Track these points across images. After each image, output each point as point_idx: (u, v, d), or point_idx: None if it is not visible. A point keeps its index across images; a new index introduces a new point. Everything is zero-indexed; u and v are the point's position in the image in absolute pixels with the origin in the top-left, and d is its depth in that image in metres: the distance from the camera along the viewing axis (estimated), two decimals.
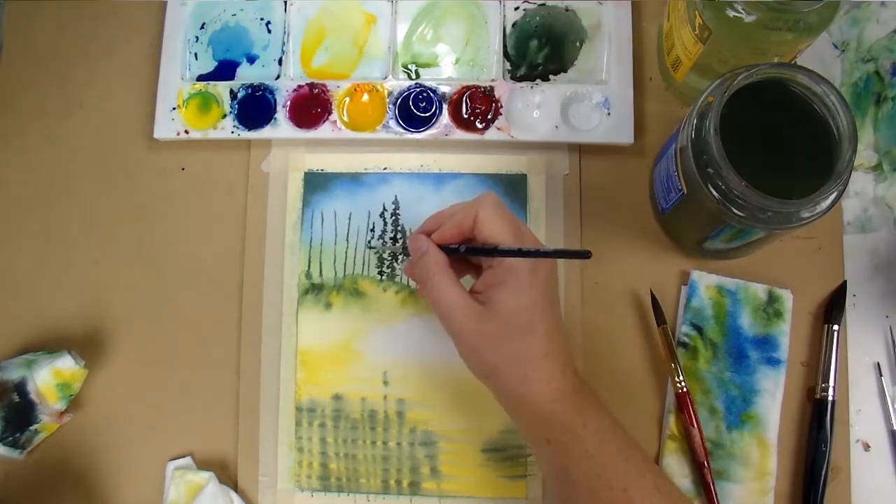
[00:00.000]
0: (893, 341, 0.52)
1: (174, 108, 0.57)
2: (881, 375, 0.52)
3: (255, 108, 0.56)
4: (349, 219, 0.56)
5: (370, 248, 0.55)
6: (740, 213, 0.42)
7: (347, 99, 0.56)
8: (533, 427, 0.42)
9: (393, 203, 0.56)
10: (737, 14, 0.44)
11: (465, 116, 0.55)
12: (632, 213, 0.55)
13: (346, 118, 0.56)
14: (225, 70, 0.58)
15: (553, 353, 0.42)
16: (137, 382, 0.55)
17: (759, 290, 0.52)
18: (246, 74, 0.58)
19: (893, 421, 0.51)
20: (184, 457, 0.53)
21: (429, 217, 0.46)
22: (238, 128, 0.56)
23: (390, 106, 0.56)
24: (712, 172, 0.42)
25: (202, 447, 0.54)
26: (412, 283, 0.55)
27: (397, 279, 0.55)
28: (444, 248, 0.44)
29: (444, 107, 0.56)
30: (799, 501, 0.50)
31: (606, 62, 0.56)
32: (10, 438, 0.51)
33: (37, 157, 0.59)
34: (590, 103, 0.55)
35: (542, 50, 0.57)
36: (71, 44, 0.60)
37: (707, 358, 0.52)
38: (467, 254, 0.44)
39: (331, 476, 0.53)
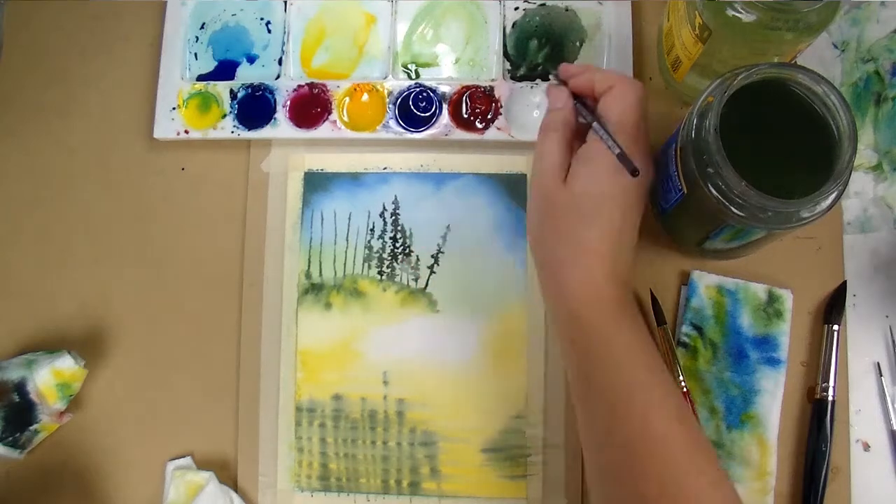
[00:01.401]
0: (893, 341, 0.52)
1: (174, 108, 0.57)
2: (881, 375, 0.52)
3: (255, 108, 0.56)
4: (349, 219, 0.56)
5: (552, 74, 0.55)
6: (740, 213, 0.42)
7: (347, 99, 0.56)
8: (560, 321, 0.42)
9: (393, 203, 0.56)
10: (736, 14, 0.44)
11: (465, 116, 0.55)
12: None
13: (346, 118, 0.56)
14: (225, 70, 0.58)
15: (603, 256, 0.41)
16: (137, 382, 0.55)
17: (759, 290, 0.52)
18: (246, 74, 0.58)
19: (893, 421, 0.51)
20: (184, 457, 0.53)
21: (580, 64, 0.47)
22: (238, 128, 0.56)
23: (390, 106, 0.56)
24: (712, 172, 0.42)
25: (202, 447, 0.54)
26: (412, 283, 0.55)
27: (397, 279, 0.55)
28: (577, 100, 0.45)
29: (444, 107, 0.56)
30: (799, 501, 0.50)
31: (606, 62, 0.56)
32: (10, 438, 0.51)
33: (37, 156, 0.59)
34: None
35: (542, 50, 0.57)
36: (71, 44, 0.60)
37: (707, 358, 0.52)
38: (590, 119, 0.45)
39: (331, 476, 0.53)
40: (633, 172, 0.40)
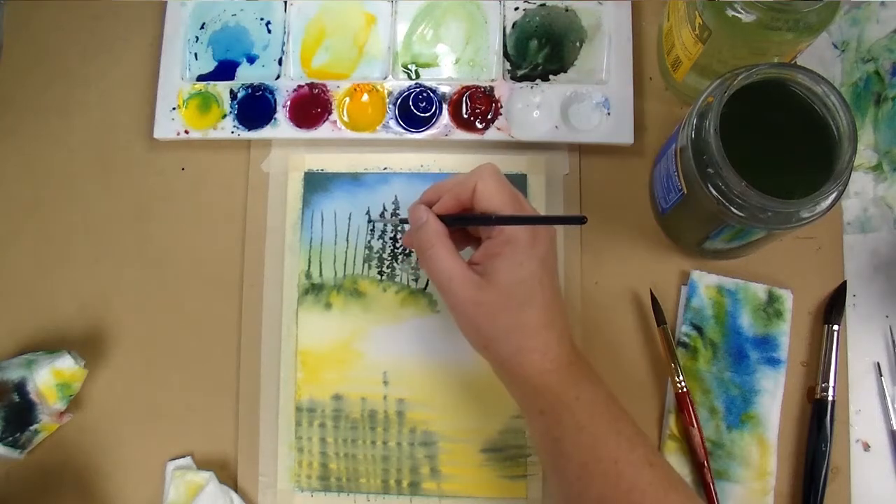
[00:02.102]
0: (893, 341, 0.52)
1: (174, 108, 0.57)
2: (881, 375, 0.52)
3: (255, 108, 0.56)
4: (349, 219, 0.56)
5: (371, 221, 0.55)
6: (740, 213, 0.42)
7: (347, 99, 0.56)
8: (527, 398, 0.42)
9: (393, 203, 0.56)
10: (736, 14, 0.44)
11: (465, 116, 0.55)
12: (632, 213, 0.55)
13: (346, 118, 0.56)
14: (225, 70, 0.58)
15: (550, 325, 0.42)
16: (137, 382, 0.55)
17: (759, 290, 0.52)
18: (246, 74, 0.58)
19: (893, 421, 0.51)
20: (184, 457, 0.53)
21: (428, 188, 0.46)
22: (238, 128, 0.56)
23: (390, 106, 0.56)
24: (712, 172, 0.42)
25: (202, 447, 0.54)
26: (412, 283, 0.55)
27: (397, 279, 0.55)
28: (443, 218, 0.44)
29: (444, 107, 0.56)
30: (799, 501, 0.50)
31: (606, 62, 0.56)
32: (10, 438, 0.51)
33: (37, 156, 0.59)
34: (590, 103, 0.55)
35: (542, 50, 0.57)
36: (71, 44, 0.60)
37: (707, 358, 0.52)
38: (464, 223, 0.44)
39: (331, 476, 0.53)
40: (582, 219, 0.40)
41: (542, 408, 0.42)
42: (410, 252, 0.55)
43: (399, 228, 0.55)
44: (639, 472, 0.40)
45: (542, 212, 0.54)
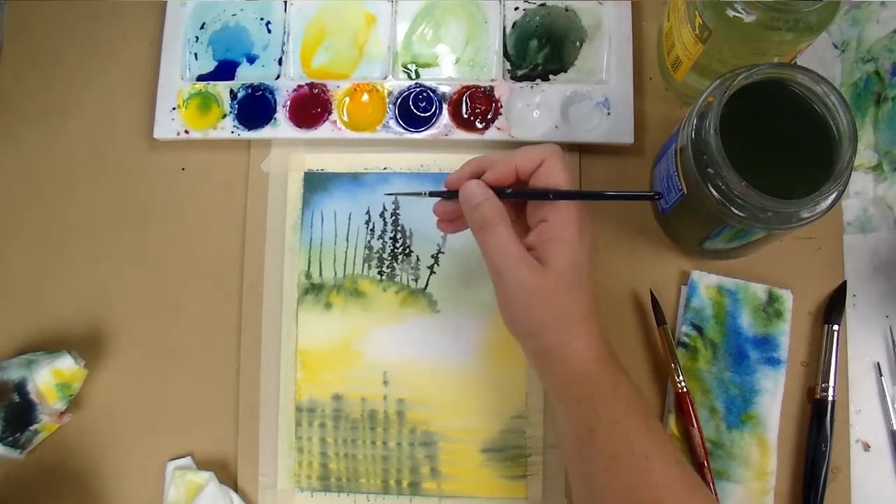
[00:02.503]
0: (893, 341, 0.52)
1: (174, 108, 0.57)
2: (881, 375, 0.52)
3: (255, 108, 0.56)
4: (349, 219, 0.56)
5: (390, 193, 0.55)
6: (740, 213, 0.42)
7: (347, 99, 0.56)
8: (565, 386, 0.42)
9: (393, 203, 0.56)
10: (737, 14, 0.44)
11: (465, 116, 0.55)
12: (632, 213, 0.55)
13: (346, 118, 0.56)
14: (225, 70, 0.58)
15: (594, 314, 0.42)
16: (137, 382, 0.55)
17: (759, 290, 0.52)
18: (246, 74, 0.58)
19: (893, 421, 0.51)
20: (184, 457, 0.53)
21: (473, 160, 0.44)
22: (238, 128, 0.56)
23: (390, 106, 0.56)
24: (712, 172, 0.42)
25: (202, 447, 0.54)
26: (412, 283, 0.55)
27: (397, 279, 0.55)
28: (496, 192, 0.43)
29: (444, 107, 0.56)
30: (799, 501, 0.50)
31: (606, 62, 0.56)
32: (10, 438, 0.51)
33: (37, 156, 0.59)
34: (590, 103, 0.55)
35: (542, 50, 0.57)
36: (71, 44, 0.60)
37: (707, 358, 0.52)
38: (523, 197, 0.44)
39: (331, 476, 0.53)
40: (656, 195, 0.41)
41: (579, 396, 0.41)
42: (410, 252, 0.55)
43: (397, 238, 0.54)
44: (668, 468, 0.40)
45: None
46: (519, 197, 0.44)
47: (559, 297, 0.41)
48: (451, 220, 0.46)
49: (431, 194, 0.46)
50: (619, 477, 0.40)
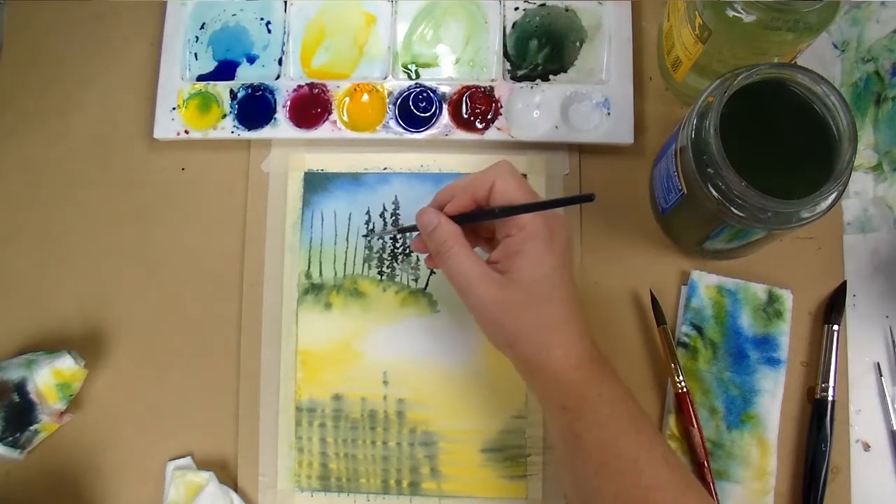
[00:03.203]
0: (893, 341, 0.52)
1: (174, 108, 0.57)
2: (881, 375, 0.52)
3: (255, 108, 0.56)
4: (349, 219, 0.56)
5: (366, 236, 0.55)
6: (740, 213, 0.42)
7: (347, 99, 0.56)
8: (550, 394, 0.42)
9: (393, 203, 0.56)
10: (737, 14, 0.44)
11: (465, 116, 0.55)
12: (632, 213, 0.55)
13: (346, 118, 0.56)
14: (225, 70, 0.58)
15: (572, 321, 0.42)
16: (137, 382, 0.55)
17: (759, 290, 0.52)
18: (246, 74, 0.58)
19: (893, 421, 0.51)
20: (184, 457, 0.53)
21: (440, 191, 0.45)
22: (238, 128, 0.56)
23: (390, 106, 0.56)
24: (712, 172, 0.42)
25: (202, 447, 0.54)
26: (412, 283, 0.55)
27: (397, 279, 0.55)
28: (453, 218, 0.44)
29: (444, 107, 0.56)
30: (799, 501, 0.50)
31: (606, 62, 0.56)
32: (10, 438, 0.51)
33: (37, 156, 0.59)
34: (590, 103, 0.55)
35: (542, 50, 0.57)
36: (71, 44, 0.60)
37: (707, 358, 0.52)
38: (472, 220, 0.44)
39: (331, 476, 0.53)
40: (590, 197, 0.40)
41: (564, 403, 0.41)
42: (410, 252, 0.55)
43: (395, 235, 0.55)
44: (658, 471, 0.40)
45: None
46: (471, 220, 0.44)
47: (527, 310, 0.41)
48: (431, 255, 0.46)
49: (400, 230, 0.51)
50: (608, 482, 0.40)
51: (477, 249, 0.46)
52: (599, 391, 0.41)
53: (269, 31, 0.58)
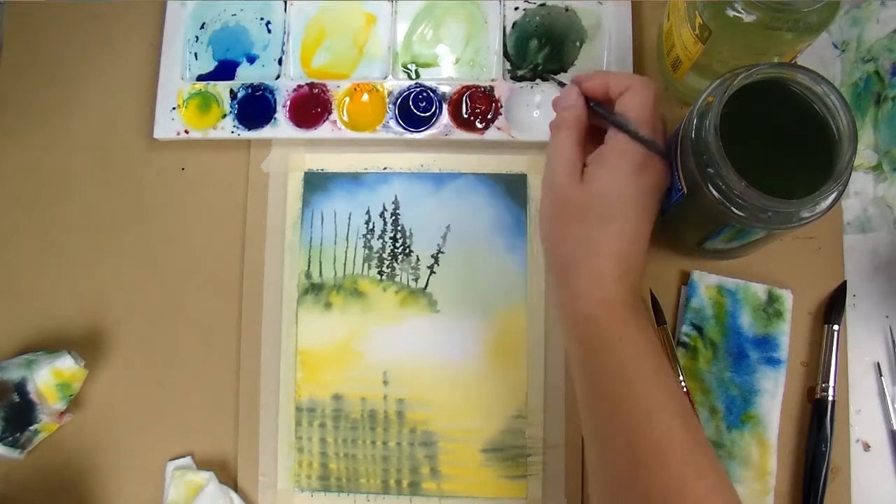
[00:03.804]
0: (893, 341, 0.52)
1: (174, 108, 0.57)
2: (881, 375, 0.52)
3: (255, 108, 0.56)
4: (349, 219, 0.56)
5: (548, 79, 0.55)
6: (740, 213, 0.42)
7: (347, 99, 0.56)
8: (570, 322, 0.42)
9: (393, 203, 0.56)
10: (737, 14, 0.44)
11: (465, 116, 0.55)
12: None
13: (346, 118, 0.56)
14: (225, 70, 0.58)
15: (615, 258, 0.41)
16: (137, 382, 0.55)
17: (759, 290, 0.52)
18: (246, 74, 0.58)
19: (893, 421, 0.51)
20: (184, 457, 0.53)
21: (598, 72, 0.46)
22: (238, 128, 0.56)
23: (390, 106, 0.56)
24: (712, 172, 0.42)
25: (202, 447, 0.54)
26: (412, 283, 0.55)
27: (397, 279, 0.55)
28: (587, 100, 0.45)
29: (444, 107, 0.56)
30: (799, 501, 0.50)
31: (606, 62, 0.56)
32: (10, 438, 0.51)
33: (37, 157, 0.59)
34: None
35: (542, 50, 0.57)
36: (71, 44, 0.60)
37: (707, 358, 0.52)
38: (594, 111, 0.45)
39: (331, 476, 0.53)
40: (660, 152, 0.41)
41: (581, 338, 0.40)
42: (410, 252, 0.55)
43: (397, 238, 0.55)
44: (670, 428, 0.38)
45: None
46: (595, 112, 0.45)
47: (581, 218, 0.41)
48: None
49: (559, 84, 0.52)
50: (621, 429, 0.39)
51: None
52: (620, 336, 0.40)
53: (269, 31, 0.58)
